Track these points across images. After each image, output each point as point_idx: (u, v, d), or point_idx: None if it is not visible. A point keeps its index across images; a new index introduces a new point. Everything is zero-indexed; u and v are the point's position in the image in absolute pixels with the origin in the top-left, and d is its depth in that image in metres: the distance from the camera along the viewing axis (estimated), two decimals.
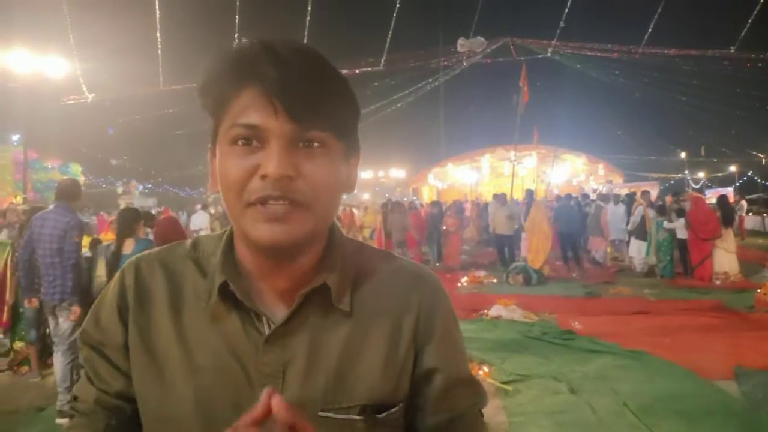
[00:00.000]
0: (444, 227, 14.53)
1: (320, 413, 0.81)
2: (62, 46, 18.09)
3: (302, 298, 0.82)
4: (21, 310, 5.62)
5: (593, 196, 19.07)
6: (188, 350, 0.83)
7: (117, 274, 0.91)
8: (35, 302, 4.89)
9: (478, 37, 30.91)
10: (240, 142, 0.76)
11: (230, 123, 0.76)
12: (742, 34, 23.73)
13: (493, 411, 4.52)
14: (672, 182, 37.48)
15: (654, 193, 22.61)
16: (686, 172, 40.90)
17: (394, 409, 0.86)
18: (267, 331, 0.82)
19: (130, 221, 4.67)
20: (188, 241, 0.94)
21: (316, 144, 0.77)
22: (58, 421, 4.45)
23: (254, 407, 0.64)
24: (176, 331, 0.85)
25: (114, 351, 0.88)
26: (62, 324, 4.63)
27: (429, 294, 0.92)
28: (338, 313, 0.85)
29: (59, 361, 4.62)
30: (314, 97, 0.75)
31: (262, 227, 0.75)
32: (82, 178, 23.88)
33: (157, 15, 19.90)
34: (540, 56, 31.80)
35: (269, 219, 0.75)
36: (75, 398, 0.91)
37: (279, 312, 0.84)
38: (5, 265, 5.69)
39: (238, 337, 0.83)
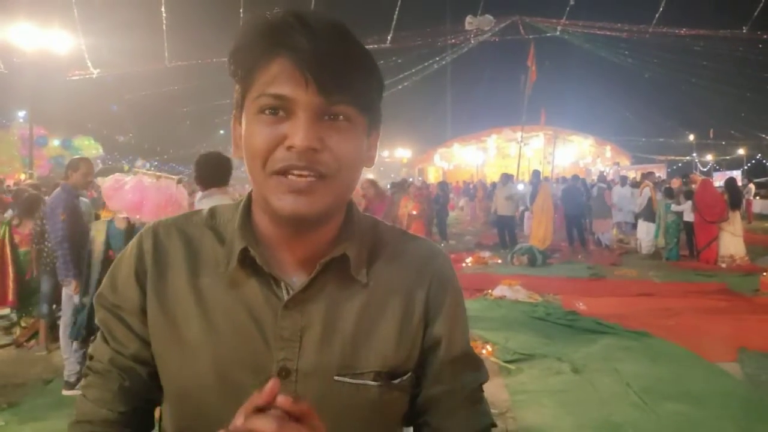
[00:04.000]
0: (400, 212, 11.85)
1: (336, 377, 0.84)
2: (67, 20, 17.99)
3: (322, 267, 0.84)
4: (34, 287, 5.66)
5: (595, 178, 18.95)
6: (207, 314, 0.85)
7: (135, 239, 0.93)
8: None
9: (487, 15, 30.59)
10: (267, 112, 0.76)
11: (258, 92, 0.77)
12: (755, 14, 23.38)
13: (495, 389, 4.55)
14: (680, 165, 37.32)
15: (662, 176, 22.55)
16: (694, 154, 40.68)
17: (405, 377, 0.90)
18: (286, 297, 0.84)
19: None
20: (205, 210, 0.95)
21: (341, 117, 0.78)
22: (65, 392, 4.50)
23: (256, 395, 0.65)
24: (195, 296, 0.86)
25: (130, 314, 0.89)
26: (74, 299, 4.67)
27: (440, 270, 0.96)
28: (355, 284, 0.87)
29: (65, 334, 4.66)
30: (344, 71, 0.75)
31: (286, 198, 0.77)
32: (98, 150, 23.64)
33: None
34: (549, 35, 31.46)
35: (292, 190, 0.76)
36: (90, 357, 0.93)
37: (297, 279, 0.86)
38: (2, 242, 5.72)
39: (257, 301, 0.84)
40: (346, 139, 0.78)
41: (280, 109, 0.76)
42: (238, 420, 0.63)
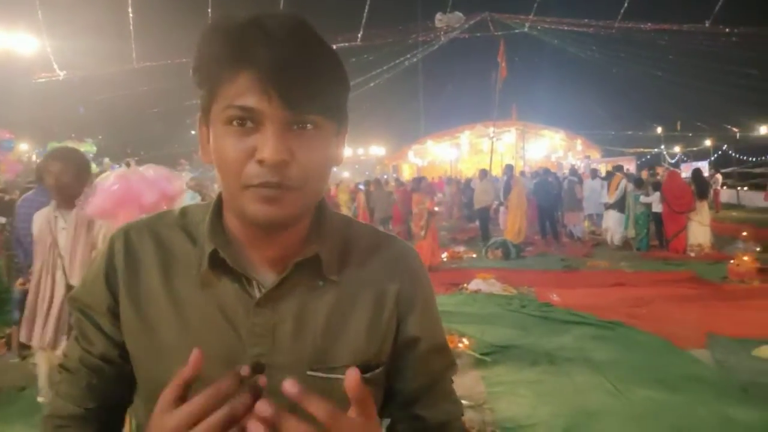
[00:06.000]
0: (416, 210, 11.27)
1: (308, 372, 0.86)
2: (31, 22, 17.62)
3: (294, 267, 0.86)
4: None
5: (566, 172, 19.17)
6: (181, 315, 0.87)
7: (107, 241, 0.94)
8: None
9: (456, 12, 30.75)
10: (235, 123, 0.77)
11: (225, 104, 0.77)
12: (716, 9, 23.89)
13: (472, 382, 4.60)
14: (648, 157, 37.86)
15: (631, 168, 22.92)
16: (662, 146, 41.30)
17: (377, 370, 0.92)
18: (258, 295, 0.86)
19: None
20: (176, 210, 0.97)
21: (309, 126, 0.78)
22: (40, 399, 4.43)
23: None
24: (168, 296, 0.87)
25: (99, 315, 0.91)
26: None
27: (410, 266, 0.99)
28: (326, 282, 0.89)
29: None
30: (309, 81, 0.76)
31: (258, 207, 0.78)
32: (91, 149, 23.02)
33: None
34: (517, 31, 31.74)
35: (264, 200, 0.78)
36: (65, 356, 0.95)
37: (269, 278, 0.87)
38: None
39: (229, 300, 0.86)
40: (314, 148, 0.79)
41: (248, 120, 0.76)
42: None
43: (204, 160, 0.86)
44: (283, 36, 0.75)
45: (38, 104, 27.31)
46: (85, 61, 24.34)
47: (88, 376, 0.91)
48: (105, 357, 0.91)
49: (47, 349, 3.19)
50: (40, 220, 3.18)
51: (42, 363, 3.46)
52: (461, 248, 12.46)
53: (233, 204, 0.83)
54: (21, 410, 4.36)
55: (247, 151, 0.76)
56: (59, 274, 3.12)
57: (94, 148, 23.93)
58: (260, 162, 0.75)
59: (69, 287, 3.05)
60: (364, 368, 0.88)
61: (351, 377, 0.66)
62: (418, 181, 15.35)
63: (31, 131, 25.69)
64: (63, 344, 3.11)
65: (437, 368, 1.00)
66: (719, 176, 23.79)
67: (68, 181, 3.12)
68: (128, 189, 3.00)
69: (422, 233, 10.32)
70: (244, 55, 0.75)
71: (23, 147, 23.82)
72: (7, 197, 6.98)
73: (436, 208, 10.89)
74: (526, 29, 31.80)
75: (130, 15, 20.37)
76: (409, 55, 34.72)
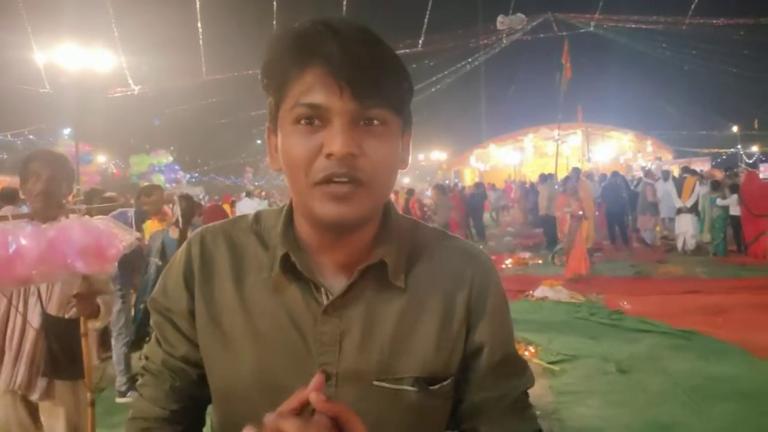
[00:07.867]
0: (558, 213, 10.83)
1: (375, 382, 0.85)
2: (107, 39, 18.50)
3: (360, 273, 0.85)
4: None
5: (638, 174, 18.54)
6: (250, 318, 0.88)
7: (184, 245, 0.97)
8: None
9: (518, 14, 30.30)
10: (303, 122, 0.78)
11: (293, 102, 0.78)
12: None
13: (539, 391, 4.51)
14: (724, 157, 36.32)
15: (705, 169, 22.02)
16: (739, 146, 39.51)
17: (445, 382, 0.90)
18: (325, 302, 0.86)
19: (192, 208, 4.74)
20: (251, 215, 0.98)
21: (376, 122, 0.79)
22: (118, 400, 4.64)
23: (298, 392, 0.65)
24: (239, 300, 0.89)
25: (180, 317, 0.93)
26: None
27: (481, 272, 0.95)
28: (393, 289, 0.88)
29: (114, 345, 4.82)
30: (376, 75, 0.76)
31: (329, 206, 0.78)
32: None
33: (198, 5, 20.18)
34: (582, 31, 31.02)
35: (334, 198, 0.77)
36: (146, 358, 0.99)
37: (337, 284, 0.87)
38: None
39: (297, 306, 0.87)
40: (382, 143, 0.79)
41: (315, 118, 0.77)
42: (273, 416, 0.63)
43: (272, 168, 0.87)
44: (351, 33, 0.76)
45: (114, 118, 28.67)
46: (158, 75, 25.40)
47: (171, 379, 0.94)
48: (187, 359, 0.93)
49: (17, 392, 2.48)
50: None
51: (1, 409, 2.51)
52: (527, 254, 12.26)
53: (303, 205, 0.83)
54: (101, 411, 4.56)
55: (315, 148, 0.77)
56: (33, 301, 2.51)
57: (170, 158, 24.85)
58: (329, 156, 0.76)
59: (46, 316, 2.48)
60: (431, 380, 0.87)
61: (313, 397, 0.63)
62: (566, 180, 12.98)
63: (108, 144, 27.00)
64: (40, 389, 2.48)
65: (505, 381, 0.94)
66: None
67: (56, 191, 2.57)
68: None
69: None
70: (313, 50, 0.76)
71: (101, 159, 25.01)
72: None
73: (580, 212, 9.88)
74: (591, 28, 31.04)
75: (200, 29, 21.10)
76: (470, 59, 34.55)
